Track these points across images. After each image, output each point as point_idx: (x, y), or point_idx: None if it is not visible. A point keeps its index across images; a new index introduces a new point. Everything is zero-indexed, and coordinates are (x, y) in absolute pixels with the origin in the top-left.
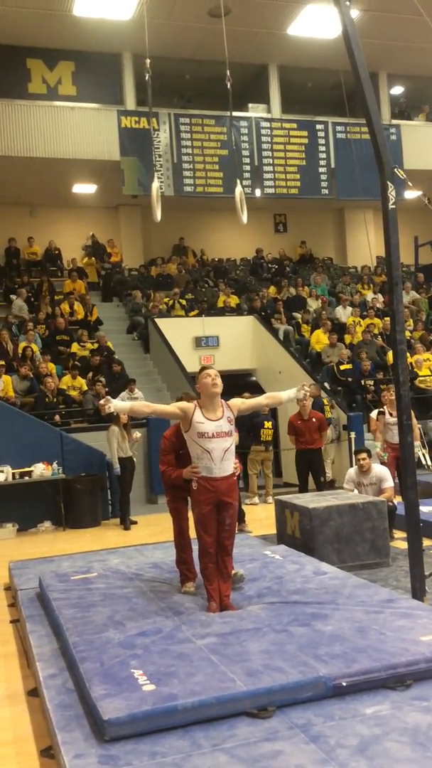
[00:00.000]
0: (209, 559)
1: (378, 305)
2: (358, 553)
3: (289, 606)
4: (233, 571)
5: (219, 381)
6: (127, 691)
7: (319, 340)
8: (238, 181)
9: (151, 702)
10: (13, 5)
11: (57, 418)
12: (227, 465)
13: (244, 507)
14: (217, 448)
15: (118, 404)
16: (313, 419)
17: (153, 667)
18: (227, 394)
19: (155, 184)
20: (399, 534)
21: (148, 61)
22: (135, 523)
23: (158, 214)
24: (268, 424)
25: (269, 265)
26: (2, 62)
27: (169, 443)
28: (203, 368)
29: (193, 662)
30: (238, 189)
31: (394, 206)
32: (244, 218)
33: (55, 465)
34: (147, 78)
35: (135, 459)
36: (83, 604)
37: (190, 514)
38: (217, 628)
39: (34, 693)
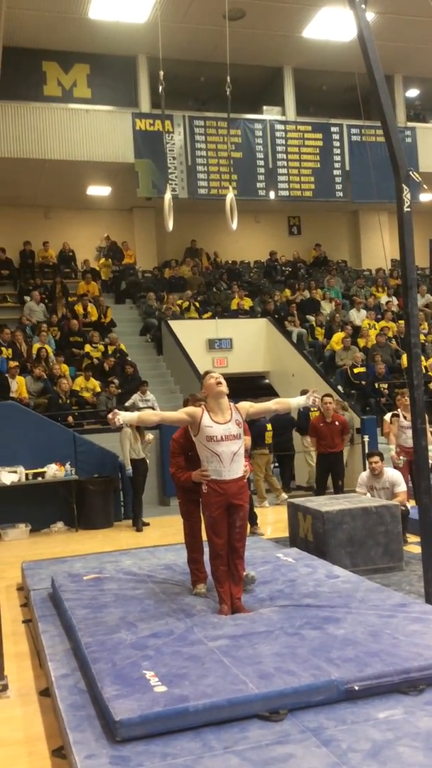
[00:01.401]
0: (220, 561)
1: (392, 308)
2: (371, 557)
3: (302, 609)
4: (244, 573)
5: (223, 381)
6: (139, 692)
7: (340, 342)
8: (230, 188)
9: (163, 703)
10: (29, 8)
11: (70, 419)
12: (237, 467)
13: (256, 510)
14: (226, 451)
15: (126, 416)
16: (336, 422)
17: (165, 668)
18: (241, 397)
19: (167, 196)
20: (413, 538)
21: (161, 73)
22: (147, 524)
23: (170, 225)
24: (268, 426)
25: (283, 268)
26: (18, 65)
27: (177, 445)
28: (207, 372)
29: (204, 664)
30: (229, 196)
31: (408, 209)
32: (234, 225)
33: (68, 466)
34: (161, 90)
35: (148, 461)
36: (95, 605)
37: (202, 516)
38: (228, 631)
39: (46, 693)
